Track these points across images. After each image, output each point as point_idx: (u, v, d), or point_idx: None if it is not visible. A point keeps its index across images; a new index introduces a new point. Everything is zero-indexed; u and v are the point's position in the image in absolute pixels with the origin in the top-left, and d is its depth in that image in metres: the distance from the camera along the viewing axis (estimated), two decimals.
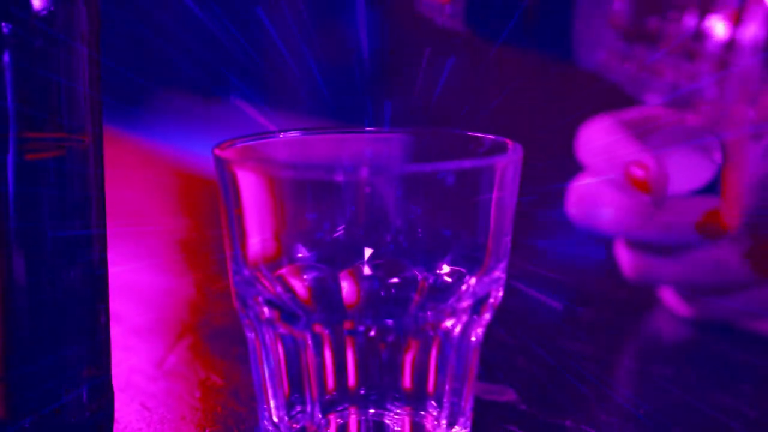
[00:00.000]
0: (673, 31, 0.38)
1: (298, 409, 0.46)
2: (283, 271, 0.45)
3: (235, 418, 0.51)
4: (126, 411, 0.52)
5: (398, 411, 0.46)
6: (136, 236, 0.82)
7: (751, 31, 0.36)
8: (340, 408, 0.46)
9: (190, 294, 0.72)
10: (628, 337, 0.66)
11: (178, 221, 0.94)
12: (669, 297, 0.66)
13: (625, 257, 0.64)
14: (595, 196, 0.61)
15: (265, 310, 0.45)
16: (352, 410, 0.46)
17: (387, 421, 0.46)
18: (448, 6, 0.42)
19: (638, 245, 0.62)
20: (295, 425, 0.46)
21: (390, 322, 0.45)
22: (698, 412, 0.53)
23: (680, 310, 0.65)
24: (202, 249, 0.83)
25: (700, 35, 0.37)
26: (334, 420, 0.46)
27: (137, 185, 0.99)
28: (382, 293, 0.45)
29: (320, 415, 0.46)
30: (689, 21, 0.37)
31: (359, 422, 0.46)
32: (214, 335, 0.63)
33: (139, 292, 0.70)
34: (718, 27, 0.37)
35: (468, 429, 0.48)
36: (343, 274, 0.45)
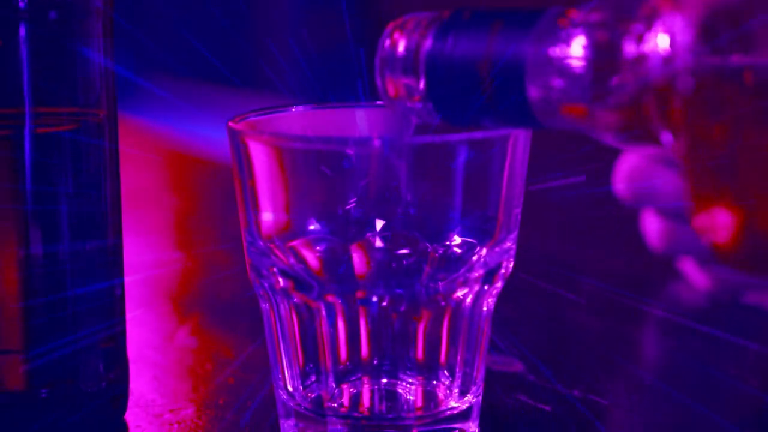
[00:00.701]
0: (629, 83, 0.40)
1: (313, 378, 0.47)
2: (295, 242, 0.46)
3: (247, 390, 0.52)
4: (139, 383, 0.52)
5: (411, 380, 0.47)
6: (138, 214, 0.82)
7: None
8: (353, 378, 0.47)
9: (197, 270, 0.73)
10: (635, 309, 0.67)
11: (179, 200, 0.95)
12: (689, 268, 0.67)
13: (654, 226, 0.65)
14: (643, 170, 0.62)
15: (280, 280, 0.46)
16: (365, 380, 0.47)
17: (399, 390, 0.47)
18: (421, 107, 0.44)
19: (672, 214, 0.64)
20: (309, 394, 0.47)
21: (402, 292, 0.46)
22: (707, 379, 0.54)
23: (699, 281, 0.66)
24: (205, 226, 0.84)
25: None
26: (347, 389, 0.47)
27: (137, 164, 1.00)
28: (393, 264, 0.46)
29: (334, 385, 0.47)
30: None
31: (372, 391, 0.47)
32: (222, 310, 0.64)
33: (144, 269, 0.71)
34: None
35: (479, 398, 0.48)
36: (354, 246, 0.46)
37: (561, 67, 0.40)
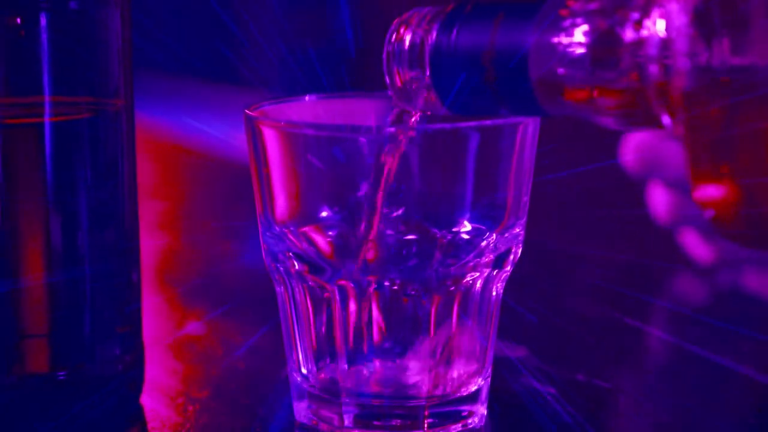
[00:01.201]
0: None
1: (326, 360, 0.48)
2: (307, 227, 0.47)
3: (259, 374, 0.53)
4: (154, 367, 0.53)
5: (421, 362, 0.48)
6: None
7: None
8: (365, 360, 0.48)
9: (201, 258, 0.74)
10: (634, 298, 0.68)
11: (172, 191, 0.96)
12: (691, 240, 0.68)
13: (660, 198, 0.67)
14: (651, 142, 0.64)
15: (296, 263, 0.47)
16: (377, 362, 0.48)
17: (410, 372, 0.48)
18: (427, 99, 0.45)
19: (678, 185, 0.65)
20: (323, 375, 0.48)
21: (412, 276, 0.47)
22: (709, 368, 0.55)
23: (700, 254, 0.67)
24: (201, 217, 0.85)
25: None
26: (359, 371, 0.48)
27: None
28: (403, 250, 0.47)
29: (346, 366, 0.48)
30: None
31: (384, 373, 0.48)
32: (231, 297, 0.65)
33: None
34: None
35: (488, 380, 0.49)
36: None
37: (563, 54, 0.41)
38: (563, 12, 0.41)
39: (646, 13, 0.39)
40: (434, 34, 0.45)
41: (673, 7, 0.38)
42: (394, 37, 0.46)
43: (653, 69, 0.39)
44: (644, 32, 0.39)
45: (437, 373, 0.48)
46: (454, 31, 0.44)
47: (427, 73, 0.45)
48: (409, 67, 0.46)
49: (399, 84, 0.46)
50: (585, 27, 0.41)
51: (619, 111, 0.41)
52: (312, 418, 0.49)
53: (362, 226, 0.47)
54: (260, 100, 0.49)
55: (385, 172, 0.46)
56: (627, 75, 0.40)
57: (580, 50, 0.41)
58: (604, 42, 0.40)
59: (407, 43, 0.45)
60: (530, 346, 0.57)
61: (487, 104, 0.44)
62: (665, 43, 0.38)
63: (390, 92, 0.47)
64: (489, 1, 0.44)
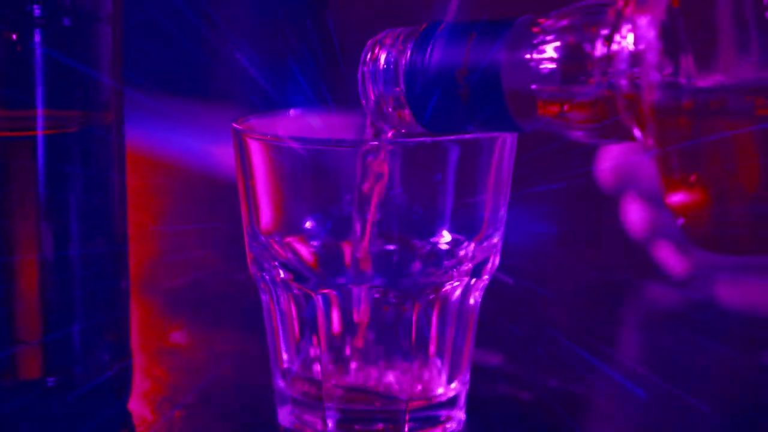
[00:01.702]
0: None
1: (310, 363, 0.50)
2: (291, 238, 0.49)
3: (244, 380, 0.55)
4: (141, 374, 0.55)
5: (402, 369, 0.50)
6: None
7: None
8: (348, 365, 0.50)
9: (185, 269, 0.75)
10: (606, 303, 0.70)
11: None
12: (665, 253, 0.70)
13: (635, 212, 0.69)
14: (627, 158, 0.66)
15: (281, 272, 0.48)
16: (359, 367, 0.50)
17: (391, 378, 0.50)
18: (403, 117, 0.47)
19: (652, 199, 0.67)
20: (305, 377, 0.50)
21: (393, 285, 0.48)
22: (683, 368, 0.57)
23: (675, 267, 0.69)
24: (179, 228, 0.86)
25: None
26: (342, 376, 0.49)
27: None
28: (384, 260, 0.48)
29: (329, 368, 0.49)
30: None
31: (365, 378, 0.50)
32: (213, 305, 0.66)
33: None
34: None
35: (466, 386, 0.51)
36: (347, 243, 0.48)
37: (535, 71, 0.43)
38: (534, 29, 0.43)
39: (615, 28, 0.41)
40: (408, 54, 0.46)
41: (642, 23, 0.40)
42: (368, 56, 0.47)
43: (623, 83, 0.40)
44: (614, 47, 0.41)
45: (417, 378, 0.50)
46: (428, 50, 0.45)
47: (402, 92, 0.47)
48: (384, 86, 0.47)
49: (374, 103, 0.48)
50: (556, 43, 0.42)
51: (590, 124, 0.43)
52: (295, 422, 0.50)
53: (356, 237, 0.48)
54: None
55: (372, 184, 0.48)
56: (598, 89, 0.42)
57: (552, 66, 0.43)
58: (574, 57, 0.42)
59: (382, 62, 0.47)
60: (506, 354, 0.59)
61: (461, 121, 0.46)
62: (634, 58, 0.40)
63: (366, 111, 0.48)
64: (461, 21, 0.46)
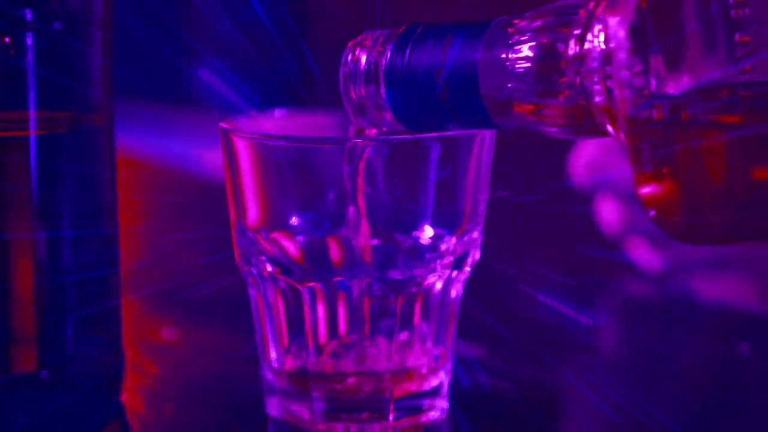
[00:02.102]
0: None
1: (296, 355, 0.51)
2: (277, 233, 0.50)
3: (233, 372, 0.56)
4: (133, 368, 0.56)
5: (386, 359, 0.51)
6: None
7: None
8: (334, 356, 0.51)
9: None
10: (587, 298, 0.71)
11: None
12: (640, 250, 0.71)
13: (609, 210, 0.70)
14: (601, 157, 0.68)
15: (268, 266, 0.50)
16: (345, 357, 0.51)
17: (376, 368, 0.51)
18: (383, 117, 0.48)
19: (627, 197, 0.69)
20: (292, 365, 0.51)
21: (377, 278, 0.50)
22: (659, 357, 0.59)
23: (649, 263, 0.71)
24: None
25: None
26: (328, 367, 0.51)
27: None
28: (368, 254, 0.50)
29: (314, 358, 0.51)
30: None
31: (352, 369, 0.51)
32: (202, 302, 0.68)
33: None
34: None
35: (449, 376, 0.53)
36: (331, 237, 0.50)
37: (511, 70, 0.44)
38: (509, 30, 0.45)
39: (587, 28, 0.43)
40: (388, 55, 0.47)
41: (612, 23, 0.41)
42: (349, 58, 0.49)
43: (595, 81, 0.42)
44: (586, 46, 0.42)
45: (402, 368, 0.51)
46: (407, 52, 0.47)
47: (383, 92, 0.48)
48: (365, 87, 0.48)
49: (355, 103, 0.49)
50: (530, 43, 0.44)
51: (565, 121, 0.45)
52: (283, 412, 0.52)
53: (355, 233, 0.50)
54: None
55: (363, 180, 0.49)
56: (571, 88, 0.43)
57: (526, 65, 0.44)
58: (548, 57, 0.44)
59: (363, 63, 0.48)
60: (488, 347, 0.60)
61: (441, 120, 0.47)
62: (606, 56, 0.42)
63: (347, 111, 0.50)
64: (438, 23, 0.47)
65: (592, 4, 0.43)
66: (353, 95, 0.49)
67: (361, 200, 0.49)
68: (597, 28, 0.42)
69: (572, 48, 0.43)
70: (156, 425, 0.52)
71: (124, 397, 0.53)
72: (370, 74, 0.48)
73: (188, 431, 0.52)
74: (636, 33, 0.41)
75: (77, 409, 0.51)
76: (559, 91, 0.44)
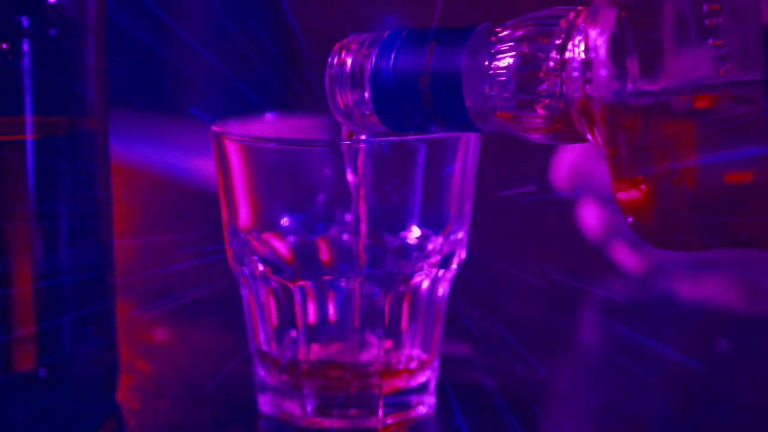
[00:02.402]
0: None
1: (289, 346, 0.53)
2: (268, 234, 0.52)
3: (226, 371, 0.57)
4: (127, 367, 0.58)
5: (375, 356, 0.52)
6: None
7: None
8: (324, 353, 0.53)
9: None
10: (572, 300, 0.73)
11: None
12: (621, 252, 0.73)
13: (591, 213, 0.72)
14: (582, 162, 0.69)
15: (260, 266, 0.51)
16: (336, 354, 0.53)
17: (366, 365, 0.52)
18: (368, 119, 0.50)
19: (608, 200, 0.70)
20: (285, 356, 0.52)
21: (366, 277, 0.51)
22: (643, 356, 0.60)
23: (631, 265, 0.72)
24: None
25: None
26: (319, 366, 0.52)
27: None
28: (357, 254, 0.51)
29: (306, 350, 0.52)
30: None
31: (342, 366, 0.52)
32: (195, 304, 0.69)
33: None
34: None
35: (437, 372, 0.54)
36: (321, 238, 0.51)
37: (493, 78, 0.46)
38: (492, 38, 0.46)
39: (567, 38, 0.44)
40: (373, 59, 0.49)
41: (592, 33, 0.43)
42: (335, 61, 0.50)
43: (574, 89, 0.43)
44: (566, 55, 0.44)
45: (390, 365, 0.53)
46: (392, 56, 0.48)
47: (368, 95, 0.49)
48: (350, 90, 0.49)
49: (341, 105, 0.50)
50: (512, 52, 0.46)
51: (545, 128, 0.46)
52: (275, 409, 0.53)
53: (355, 235, 0.51)
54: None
55: (360, 183, 0.50)
56: (551, 95, 0.45)
57: (508, 73, 0.46)
58: (529, 65, 0.45)
59: (348, 66, 0.49)
60: (473, 345, 0.62)
61: (424, 122, 0.49)
62: (585, 65, 0.43)
63: (333, 113, 0.51)
64: (422, 28, 0.49)
65: (572, 15, 0.44)
66: (339, 98, 0.50)
67: (355, 202, 0.51)
68: (578, 38, 0.43)
69: (553, 58, 0.44)
70: (150, 423, 0.53)
71: (119, 396, 0.55)
72: (356, 78, 0.49)
73: (182, 428, 0.53)
74: (616, 42, 0.42)
75: (74, 407, 0.52)
76: (540, 100, 0.45)
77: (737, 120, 0.41)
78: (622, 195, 0.43)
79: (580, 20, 0.44)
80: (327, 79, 0.50)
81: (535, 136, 0.46)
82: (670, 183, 0.42)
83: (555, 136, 0.46)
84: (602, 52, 0.42)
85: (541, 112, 0.45)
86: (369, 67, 0.48)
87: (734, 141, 0.41)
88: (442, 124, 0.48)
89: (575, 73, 0.43)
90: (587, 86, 0.43)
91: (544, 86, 0.45)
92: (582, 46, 0.43)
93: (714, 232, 0.43)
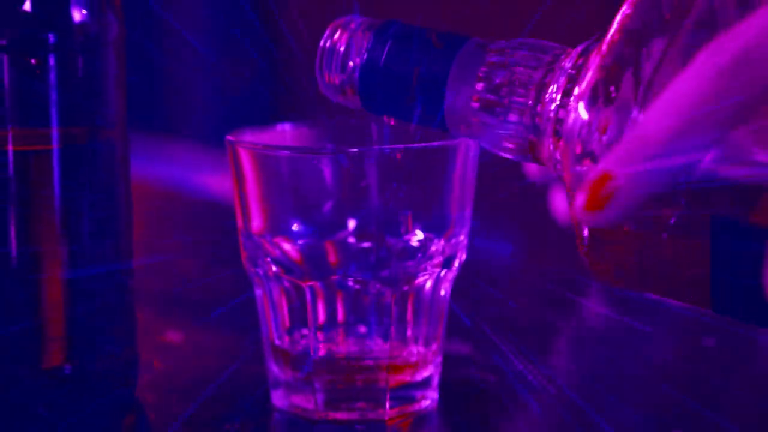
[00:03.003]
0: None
1: (300, 345, 0.55)
2: (280, 238, 0.54)
3: (241, 367, 0.60)
4: (146, 364, 0.60)
5: (381, 353, 0.55)
6: None
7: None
8: (334, 350, 0.55)
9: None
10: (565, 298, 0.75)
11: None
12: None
13: (561, 200, 0.74)
14: None
15: (273, 267, 0.54)
16: (343, 352, 0.56)
17: (372, 362, 0.55)
18: (349, 92, 0.52)
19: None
20: (296, 349, 0.55)
21: (372, 277, 0.54)
22: (631, 349, 0.63)
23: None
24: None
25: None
26: (328, 362, 0.55)
27: None
28: (363, 255, 0.54)
29: (317, 344, 0.55)
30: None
31: (349, 363, 0.55)
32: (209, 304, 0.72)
33: None
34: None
35: (440, 368, 0.57)
36: (329, 242, 0.54)
37: (474, 97, 0.49)
38: (485, 56, 0.49)
39: (551, 77, 0.47)
40: (365, 43, 0.51)
41: (575, 80, 0.46)
42: (328, 42, 0.52)
43: (547, 127, 0.46)
44: (546, 95, 0.47)
45: (395, 361, 0.55)
46: (385, 50, 0.51)
47: (356, 76, 0.51)
48: (341, 68, 0.52)
49: (328, 80, 0.52)
50: (495, 80, 0.48)
51: (513, 149, 0.49)
52: (287, 403, 0.56)
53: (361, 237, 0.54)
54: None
55: (366, 189, 0.53)
56: (524, 126, 0.48)
57: (488, 98, 0.49)
58: (508, 95, 0.48)
59: (339, 46, 0.52)
60: (474, 344, 0.64)
61: (403, 113, 0.51)
62: (562, 109, 0.46)
63: (319, 84, 0.53)
64: (417, 27, 0.51)
65: (562, 55, 0.47)
66: (326, 73, 0.52)
67: (362, 206, 0.54)
68: (561, 79, 0.46)
69: (532, 93, 0.47)
70: (168, 417, 0.56)
71: (138, 392, 0.57)
72: (347, 58, 0.51)
73: (198, 421, 0.56)
74: (593, 96, 0.44)
75: (96, 402, 0.55)
76: (512, 129, 0.48)
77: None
78: (581, 232, 0.45)
79: (566, 62, 0.46)
80: (319, 53, 0.52)
81: (503, 153, 0.49)
82: (620, 229, 0.44)
83: (522, 158, 0.49)
84: (579, 101, 0.45)
85: (511, 137, 0.48)
86: (360, 50, 0.51)
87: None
88: (419, 119, 0.51)
89: (550, 115, 0.46)
90: (557, 128, 0.46)
91: (518, 117, 0.48)
92: (562, 89, 0.46)
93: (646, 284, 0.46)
